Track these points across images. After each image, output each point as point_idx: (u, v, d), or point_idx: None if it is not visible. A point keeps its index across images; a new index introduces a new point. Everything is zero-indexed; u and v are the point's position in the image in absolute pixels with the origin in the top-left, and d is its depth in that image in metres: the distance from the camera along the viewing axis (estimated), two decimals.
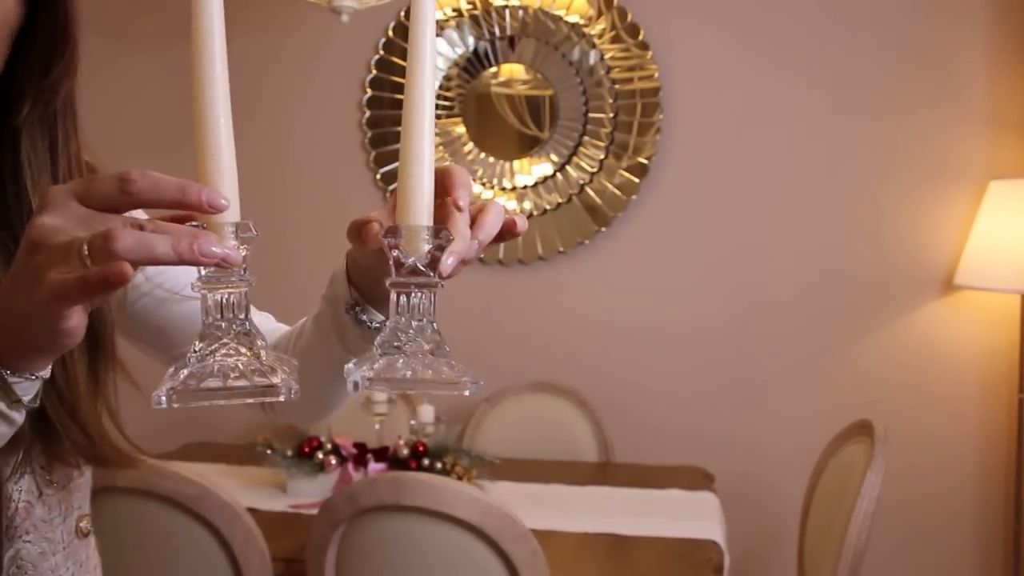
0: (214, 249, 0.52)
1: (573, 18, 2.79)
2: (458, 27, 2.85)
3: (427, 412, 2.19)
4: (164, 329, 0.89)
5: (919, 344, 2.67)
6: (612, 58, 2.77)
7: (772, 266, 2.75)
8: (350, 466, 2.11)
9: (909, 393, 2.68)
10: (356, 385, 0.59)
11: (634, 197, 2.79)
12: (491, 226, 0.64)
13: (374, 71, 2.91)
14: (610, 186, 2.80)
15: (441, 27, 2.86)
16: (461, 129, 2.88)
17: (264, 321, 0.98)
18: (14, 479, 0.76)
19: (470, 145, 2.87)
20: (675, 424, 2.80)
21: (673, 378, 2.80)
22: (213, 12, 0.55)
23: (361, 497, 1.52)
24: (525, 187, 2.85)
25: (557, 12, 2.79)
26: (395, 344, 0.60)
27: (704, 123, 2.77)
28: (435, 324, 0.61)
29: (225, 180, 0.56)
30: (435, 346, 0.60)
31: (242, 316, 0.57)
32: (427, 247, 0.60)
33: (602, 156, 2.80)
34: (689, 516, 2.08)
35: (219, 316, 0.56)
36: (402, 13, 2.88)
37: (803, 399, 2.74)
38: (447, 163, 0.64)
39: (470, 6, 2.84)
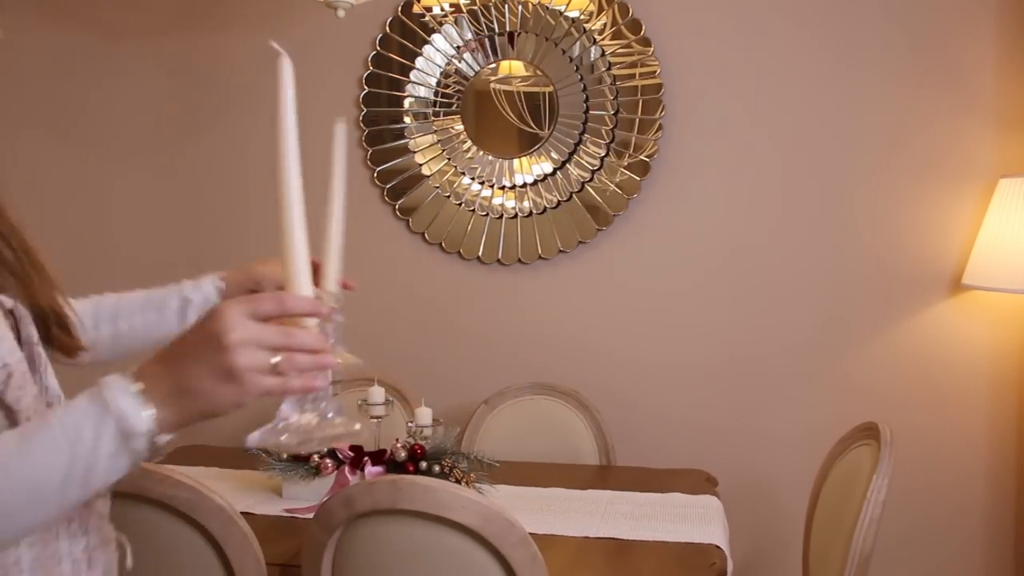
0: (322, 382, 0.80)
1: (573, 13, 2.76)
2: (456, 23, 2.82)
3: (425, 414, 2.14)
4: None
5: (926, 345, 2.64)
6: (613, 54, 2.74)
7: (777, 265, 2.71)
8: (346, 469, 2.08)
9: (916, 395, 2.64)
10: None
11: (635, 196, 2.76)
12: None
13: (370, 67, 2.88)
14: (611, 184, 2.77)
15: (440, 22, 2.83)
16: (460, 127, 2.84)
17: (86, 305, 1.26)
18: None
19: (469, 143, 2.84)
20: (677, 426, 2.76)
21: (675, 380, 2.77)
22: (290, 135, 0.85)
23: (358, 501, 1.50)
24: (525, 185, 2.82)
25: (557, 7, 2.76)
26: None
27: (707, 120, 2.73)
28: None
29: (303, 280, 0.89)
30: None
31: (322, 399, 0.86)
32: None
33: (603, 154, 2.76)
34: (691, 520, 2.04)
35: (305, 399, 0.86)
36: (399, 9, 2.84)
37: (808, 401, 2.70)
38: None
39: (468, 1, 2.81)
